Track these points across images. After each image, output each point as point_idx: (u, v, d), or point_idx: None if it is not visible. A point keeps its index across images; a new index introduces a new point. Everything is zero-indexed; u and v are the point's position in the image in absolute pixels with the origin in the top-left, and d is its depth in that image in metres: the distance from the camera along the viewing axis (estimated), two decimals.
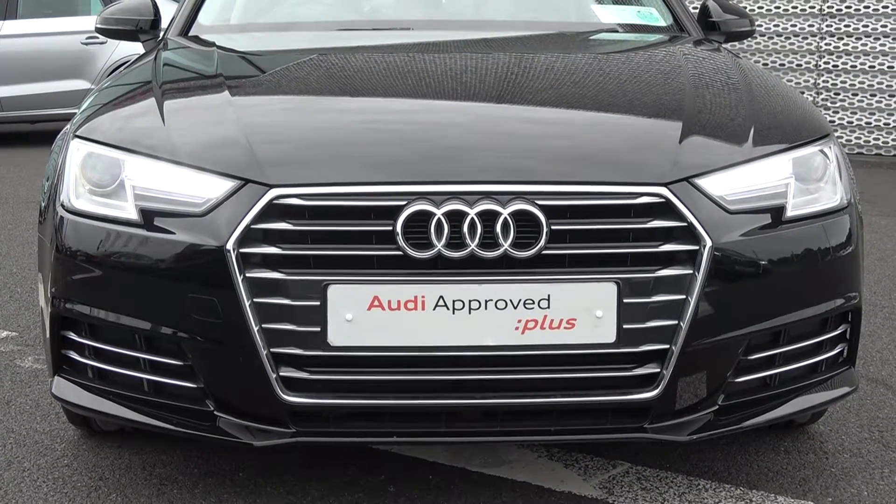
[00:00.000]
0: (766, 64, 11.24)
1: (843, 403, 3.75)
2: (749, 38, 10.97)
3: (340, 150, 2.86)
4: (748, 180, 2.86)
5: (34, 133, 11.89)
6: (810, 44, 11.13)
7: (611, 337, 2.68)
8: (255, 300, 2.65)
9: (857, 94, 10.96)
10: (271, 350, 2.67)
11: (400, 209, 2.63)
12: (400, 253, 2.63)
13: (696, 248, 2.70)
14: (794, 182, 2.92)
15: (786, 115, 3.22)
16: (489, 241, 2.63)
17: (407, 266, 2.64)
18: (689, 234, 2.70)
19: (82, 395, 2.95)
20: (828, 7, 10.99)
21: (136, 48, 4.33)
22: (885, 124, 10.85)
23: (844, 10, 10.92)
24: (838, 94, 11.04)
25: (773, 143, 2.99)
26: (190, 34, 4.13)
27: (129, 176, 2.85)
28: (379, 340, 2.66)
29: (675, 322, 2.69)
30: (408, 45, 3.97)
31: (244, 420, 2.78)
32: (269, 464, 3.28)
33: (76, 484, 3.20)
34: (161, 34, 4.21)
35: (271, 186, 2.68)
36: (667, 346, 2.70)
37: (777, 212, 2.86)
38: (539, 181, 2.71)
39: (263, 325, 2.65)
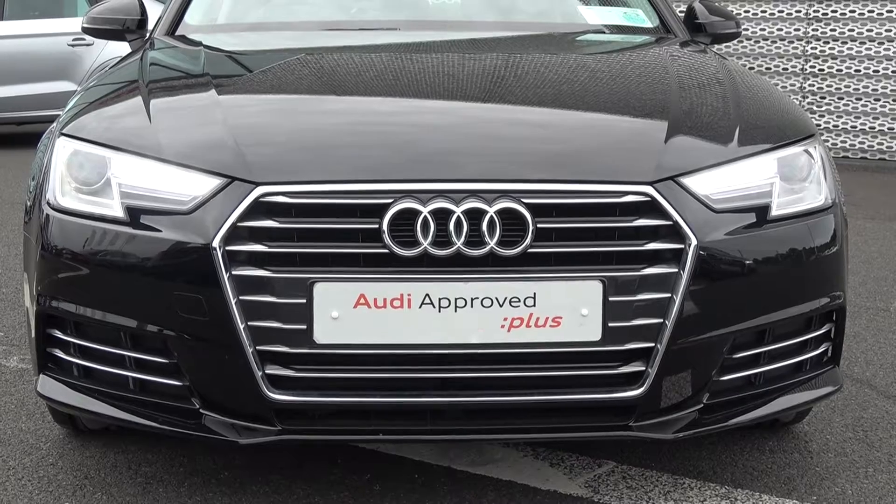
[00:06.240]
0: (753, 68, 11.26)
1: (827, 403, 3.77)
2: (735, 42, 11.03)
3: (327, 149, 2.87)
4: (733, 180, 2.87)
5: (20, 135, 11.86)
6: (796, 48, 11.16)
7: (596, 335, 2.68)
8: (241, 298, 2.65)
9: (842, 98, 10.99)
10: (257, 348, 2.67)
11: (386, 207, 2.64)
12: (386, 251, 2.63)
13: (682, 246, 2.71)
14: (779, 181, 2.93)
15: (771, 116, 3.23)
16: (475, 240, 2.63)
17: (393, 264, 2.64)
18: (674, 232, 2.71)
19: (67, 393, 2.94)
20: (814, 11, 11.03)
21: (123, 50, 4.32)
22: (870, 128, 10.89)
23: (830, 15, 10.96)
24: (824, 98, 11.07)
25: (758, 143, 3.00)
26: (177, 34, 4.13)
27: (116, 174, 2.85)
28: (365, 338, 2.66)
29: (661, 320, 2.70)
30: (394, 46, 3.97)
31: (230, 418, 2.78)
32: (255, 462, 3.28)
33: (61, 483, 3.19)
34: (148, 34, 4.21)
35: (257, 184, 2.68)
36: (652, 345, 2.71)
37: (762, 211, 2.88)
38: (525, 179, 2.71)
39: (249, 323, 2.65)
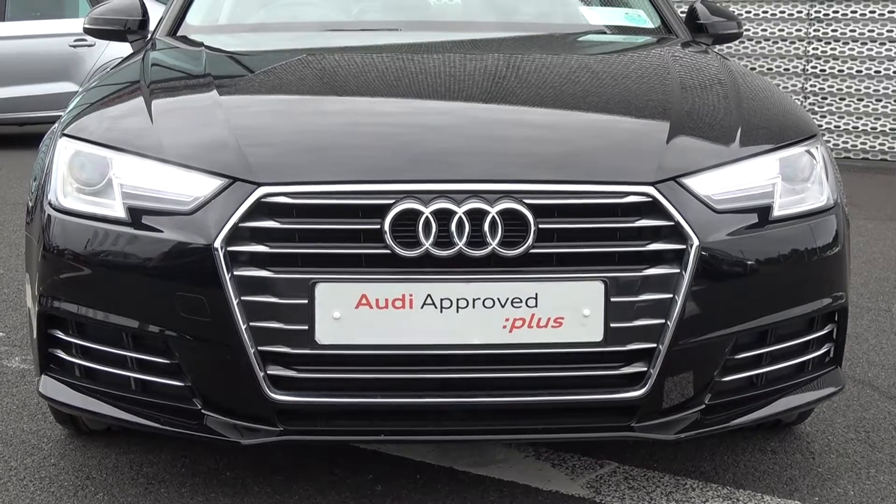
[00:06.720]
0: (754, 68, 11.26)
1: (829, 404, 3.76)
2: (737, 43, 11.03)
3: (328, 150, 2.87)
4: (735, 180, 2.87)
5: (21, 136, 11.85)
6: (798, 48, 11.16)
7: (598, 336, 2.68)
8: (242, 298, 2.64)
9: (844, 99, 10.99)
10: (259, 348, 2.67)
11: (388, 208, 2.63)
12: (388, 251, 2.63)
13: (684, 247, 2.70)
14: (780, 182, 2.93)
15: (773, 116, 3.23)
16: (477, 240, 2.63)
17: (395, 264, 2.64)
18: (676, 233, 2.71)
19: (69, 393, 2.94)
20: (815, 12, 11.03)
21: (125, 51, 4.32)
22: (872, 129, 10.89)
23: (832, 15, 10.96)
24: (825, 99, 11.07)
25: (760, 143, 3.00)
26: (178, 34, 4.13)
27: (117, 174, 2.85)
28: (367, 339, 2.66)
29: (663, 321, 2.70)
30: (396, 46, 3.97)
31: (231, 418, 2.78)
32: (257, 463, 3.28)
33: (63, 483, 3.19)
34: (149, 34, 4.20)
35: (259, 185, 2.68)
36: (654, 345, 2.71)
37: (764, 211, 2.87)
38: (527, 180, 2.71)
39: (251, 324, 2.65)
